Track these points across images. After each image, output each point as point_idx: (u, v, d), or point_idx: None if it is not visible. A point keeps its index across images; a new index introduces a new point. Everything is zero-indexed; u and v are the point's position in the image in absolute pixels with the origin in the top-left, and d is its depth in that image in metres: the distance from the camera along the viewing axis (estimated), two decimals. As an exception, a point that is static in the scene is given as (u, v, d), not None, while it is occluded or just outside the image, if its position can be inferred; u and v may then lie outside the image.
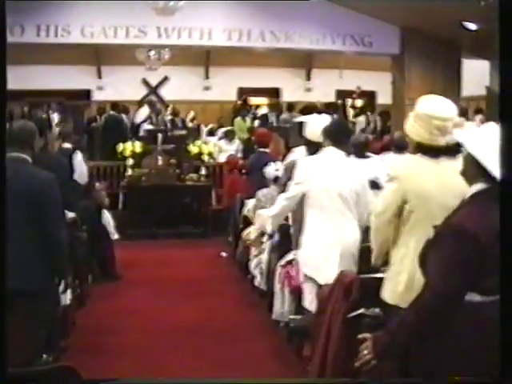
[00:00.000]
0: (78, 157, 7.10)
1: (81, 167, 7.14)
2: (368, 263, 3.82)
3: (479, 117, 12.74)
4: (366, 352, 2.70)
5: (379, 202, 3.51)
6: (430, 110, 3.35)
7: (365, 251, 4.22)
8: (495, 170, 2.50)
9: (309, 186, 4.62)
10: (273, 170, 7.14)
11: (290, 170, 5.15)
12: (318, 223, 4.62)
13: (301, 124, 5.66)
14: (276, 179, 7.05)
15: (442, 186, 3.24)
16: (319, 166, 4.67)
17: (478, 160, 2.55)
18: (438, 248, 2.61)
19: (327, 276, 4.34)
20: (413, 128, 3.41)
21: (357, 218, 4.65)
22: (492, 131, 2.62)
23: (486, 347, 2.54)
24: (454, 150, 3.20)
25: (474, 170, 2.61)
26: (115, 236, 7.68)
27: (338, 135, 4.75)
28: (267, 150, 7.99)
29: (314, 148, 5.06)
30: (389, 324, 2.82)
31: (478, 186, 2.62)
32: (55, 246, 3.98)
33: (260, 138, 8.13)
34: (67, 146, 7.21)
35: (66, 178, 5.35)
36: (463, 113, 12.79)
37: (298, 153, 5.87)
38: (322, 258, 4.53)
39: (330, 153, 4.70)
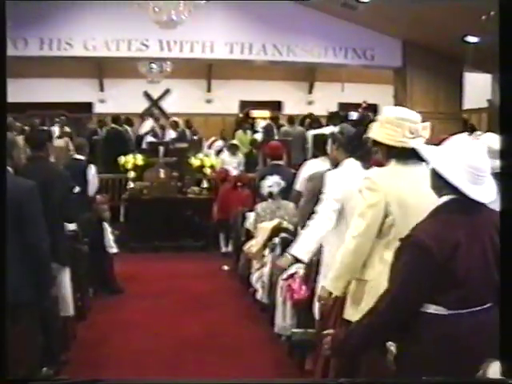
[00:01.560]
0: (92, 170, 7.14)
1: (94, 180, 7.17)
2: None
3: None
4: (325, 347, 2.84)
5: (359, 219, 3.43)
6: (401, 114, 3.45)
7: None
8: (460, 183, 2.56)
9: (344, 200, 4.32)
10: (267, 185, 7.11)
11: (318, 183, 4.94)
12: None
13: (322, 136, 5.63)
14: (270, 195, 7.05)
15: (421, 196, 3.16)
16: (350, 179, 4.49)
17: (440, 174, 2.61)
18: (398, 260, 2.68)
19: None
20: (382, 133, 3.45)
21: None
22: (454, 144, 2.68)
23: (453, 359, 2.57)
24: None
25: (440, 183, 2.65)
26: (114, 250, 7.64)
27: (355, 146, 4.62)
28: (281, 163, 7.94)
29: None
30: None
31: (444, 199, 2.66)
32: (36, 255, 3.88)
33: (273, 150, 8.06)
34: (80, 157, 7.22)
35: (67, 190, 5.32)
36: (466, 125, 12.84)
37: (312, 165, 5.82)
38: None
39: (352, 165, 4.54)
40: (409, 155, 3.38)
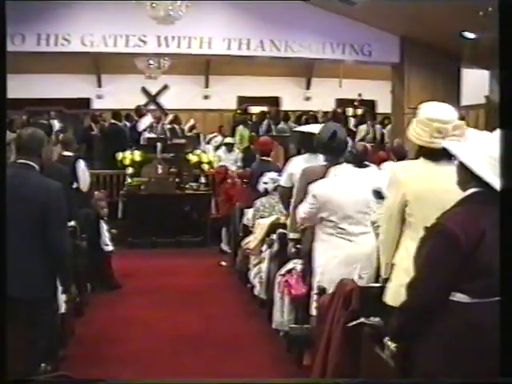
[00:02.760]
0: (81, 165, 7.07)
1: (84, 175, 7.12)
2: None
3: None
4: None
5: (385, 208, 3.60)
6: (430, 114, 3.47)
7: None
8: (486, 175, 2.59)
9: (326, 198, 4.49)
10: (262, 182, 7.14)
11: (305, 179, 5.01)
12: (335, 235, 4.51)
13: (308, 134, 5.65)
14: (266, 191, 7.08)
15: (442, 189, 3.27)
16: (332, 177, 4.61)
17: (469, 167, 2.64)
18: (423, 247, 2.71)
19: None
20: (414, 132, 3.51)
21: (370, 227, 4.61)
22: (481, 139, 2.74)
23: (475, 348, 2.59)
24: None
25: (466, 177, 2.69)
26: (110, 248, 7.63)
27: (330, 146, 4.70)
28: (269, 159, 7.96)
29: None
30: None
31: (470, 191, 2.69)
32: (59, 256, 3.96)
33: (262, 146, 8.09)
34: (68, 154, 7.17)
35: (67, 187, 5.32)
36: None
37: (297, 162, 5.85)
38: (341, 274, 4.28)
39: (343, 170, 4.64)
40: (439, 154, 3.40)
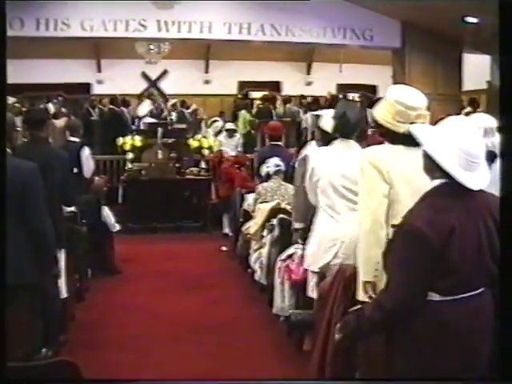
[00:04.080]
0: (86, 152, 7.05)
1: (88, 162, 7.10)
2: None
3: (467, 109, 12.66)
4: (336, 332, 2.83)
5: (366, 196, 3.43)
6: (398, 97, 3.43)
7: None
8: (450, 167, 2.50)
9: (316, 178, 4.44)
10: (265, 166, 7.12)
11: (303, 164, 4.98)
12: (326, 217, 4.43)
13: (317, 117, 5.58)
14: (268, 176, 7.06)
15: (419, 173, 3.03)
16: (326, 157, 4.50)
17: (432, 157, 2.56)
18: (394, 250, 2.62)
19: (322, 264, 4.33)
20: (379, 112, 3.49)
21: None
22: (448, 126, 2.62)
23: (448, 346, 2.54)
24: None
25: (431, 166, 2.60)
26: (116, 228, 7.64)
27: (346, 126, 4.60)
28: (280, 143, 7.91)
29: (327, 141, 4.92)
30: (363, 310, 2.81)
31: (436, 182, 2.61)
32: (40, 236, 3.91)
33: (272, 131, 8.01)
34: (74, 139, 7.14)
35: (67, 172, 5.30)
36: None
37: (313, 146, 5.78)
38: (323, 250, 4.36)
39: (340, 144, 4.51)
40: (402, 139, 3.37)
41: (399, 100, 3.41)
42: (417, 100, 3.45)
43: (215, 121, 14.46)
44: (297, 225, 5.11)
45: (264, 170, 7.14)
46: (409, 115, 3.36)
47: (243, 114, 14.75)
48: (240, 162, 9.75)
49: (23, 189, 3.76)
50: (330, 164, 4.41)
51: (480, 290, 2.61)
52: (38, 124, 5.14)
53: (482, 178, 2.56)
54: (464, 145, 2.51)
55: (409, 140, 3.11)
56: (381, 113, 3.48)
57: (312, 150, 5.20)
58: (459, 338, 2.54)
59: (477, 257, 2.55)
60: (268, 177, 7.08)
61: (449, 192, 2.56)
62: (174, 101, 15.22)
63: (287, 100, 15.76)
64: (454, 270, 2.51)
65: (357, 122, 4.56)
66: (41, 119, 5.25)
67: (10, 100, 11.54)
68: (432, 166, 2.59)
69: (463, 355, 2.55)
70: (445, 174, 2.53)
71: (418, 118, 3.38)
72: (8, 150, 3.94)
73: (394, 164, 3.38)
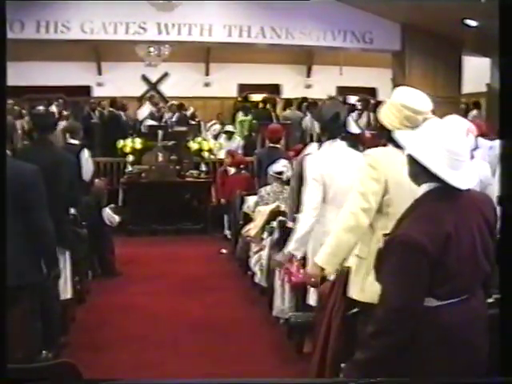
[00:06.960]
0: (85, 154, 7.06)
1: (87, 164, 7.11)
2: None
3: (474, 112, 12.71)
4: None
5: (359, 195, 3.37)
6: (404, 100, 3.36)
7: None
8: (435, 167, 2.47)
9: (322, 181, 4.42)
10: (277, 168, 7.08)
11: (299, 166, 4.99)
12: (328, 218, 4.39)
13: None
14: (280, 176, 6.99)
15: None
16: (330, 160, 4.48)
17: (417, 160, 2.52)
18: (389, 260, 2.55)
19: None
20: (386, 116, 3.42)
21: None
22: (430, 127, 2.60)
23: (447, 347, 2.52)
24: None
25: (417, 170, 2.56)
26: (117, 219, 7.66)
27: (333, 126, 4.54)
28: (279, 146, 7.92)
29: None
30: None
31: (425, 187, 2.57)
32: (43, 237, 3.94)
33: (272, 133, 8.02)
34: (74, 142, 7.14)
35: (74, 175, 5.31)
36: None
37: (312, 148, 5.77)
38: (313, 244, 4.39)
39: (337, 146, 4.53)
40: None
41: (406, 104, 3.34)
42: (423, 104, 3.40)
43: (213, 124, 14.48)
44: (291, 224, 5.12)
45: (276, 169, 7.03)
46: (417, 119, 3.29)
47: (240, 116, 14.76)
48: (241, 163, 9.73)
49: (24, 190, 3.77)
50: (329, 166, 4.43)
51: (476, 291, 2.62)
52: (49, 127, 5.16)
53: (470, 177, 2.53)
54: (448, 144, 2.49)
55: None
56: (388, 118, 3.40)
57: (310, 152, 5.20)
58: (459, 339, 2.53)
59: (473, 259, 2.53)
60: (278, 179, 6.94)
61: (439, 197, 2.51)
62: (171, 103, 15.21)
63: (289, 103, 15.71)
64: (452, 275, 2.49)
65: (344, 122, 4.59)
66: (52, 122, 5.27)
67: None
68: (418, 171, 2.55)
69: (463, 356, 2.54)
70: (431, 177, 2.50)
71: (425, 122, 3.36)
72: (8, 152, 3.95)
73: (395, 167, 3.37)
